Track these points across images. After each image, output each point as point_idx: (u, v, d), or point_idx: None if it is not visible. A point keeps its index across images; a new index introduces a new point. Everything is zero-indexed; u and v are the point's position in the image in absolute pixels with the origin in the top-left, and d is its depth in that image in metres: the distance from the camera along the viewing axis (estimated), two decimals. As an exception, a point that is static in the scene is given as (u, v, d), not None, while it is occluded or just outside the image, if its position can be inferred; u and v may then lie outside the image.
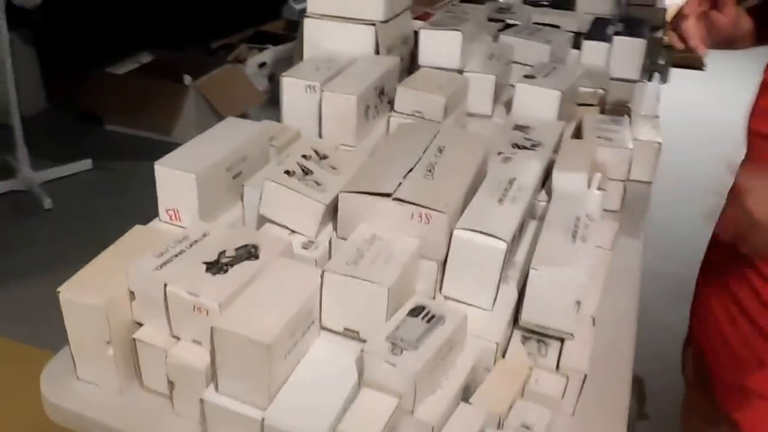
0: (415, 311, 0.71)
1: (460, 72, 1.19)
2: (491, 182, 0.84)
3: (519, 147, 1.04)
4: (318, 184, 0.84)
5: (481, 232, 0.75)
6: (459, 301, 0.79)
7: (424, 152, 0.86)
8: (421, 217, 0.75)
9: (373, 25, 1.16)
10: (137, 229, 0.87)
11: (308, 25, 1.21)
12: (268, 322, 0.66)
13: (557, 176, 0.94)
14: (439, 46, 1.18)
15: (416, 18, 1.34)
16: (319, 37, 1.22)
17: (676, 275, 1.92)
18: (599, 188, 0.94)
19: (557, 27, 1.58)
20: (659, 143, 1.22)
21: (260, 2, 3.48)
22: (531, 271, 0.76)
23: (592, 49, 1.46)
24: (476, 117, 1.22)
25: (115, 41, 3.23)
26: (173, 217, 0.91)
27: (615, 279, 0.97)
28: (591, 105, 1.27)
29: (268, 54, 3.16)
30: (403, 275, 0.73)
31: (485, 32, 1.32)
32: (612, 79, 1.46)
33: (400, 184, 0.78)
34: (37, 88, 3.19)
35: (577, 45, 1.48)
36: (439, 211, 0.75)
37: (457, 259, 0.77)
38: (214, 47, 2.79)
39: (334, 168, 0.89)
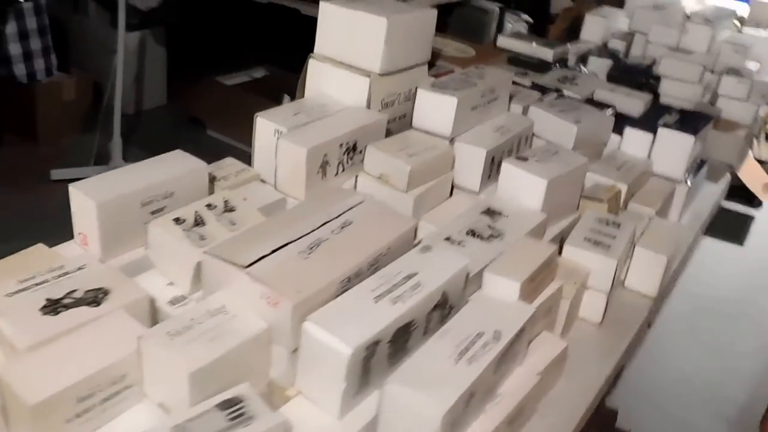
0: (226, 404, 0.61)
1: (451, 140, 1.07)
2: (383, 274, 0.73)
3: (474, 235, 0.91)
4: (202, 238, 0.77)
5: (329, 331, 0.64)
6: (310, 400, 0.68)
7: (321, 226, 0.76)
8: (269, 299, 0.66)
9: (368, 76, 1.08)
10: (38, 248, 0.84)
11: (312, 66, 1.15)
12: (51, 381, 0.59)
13: (487, 277, 0.80)
14: (434, 109, 1.07)
15: (438, 75, 1.23)
16: (320, 80, 1.15)
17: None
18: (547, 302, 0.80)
19: (611, 107, 1.42)
20: (666, 258, 1.03)
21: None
22: (384, 385, 0.64)
23: (633, 138, 1.28)
24: (464, 191, 1.10)
25: (237, 52, 3.36)
26: (84, 242, 0.87)
27: (550, 409, 0.82)
28: (599, 201, 1.10)
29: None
30: (226, 359, 0.63)
31: (502, 101, 1.19)
32: (654, 174, 1.28)
33: (263, 257, 0.69)
34: (160, 85, 3.38)
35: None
36: (287, 298, 0.65)
37: (306, 353, 0.66)
38: None
39: (233, 223, 0.81)
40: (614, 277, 0.96)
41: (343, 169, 1.03)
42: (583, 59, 1.93)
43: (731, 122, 1.68)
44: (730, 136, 1.60)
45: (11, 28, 2.58)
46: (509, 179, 1.02)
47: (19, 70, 2.75)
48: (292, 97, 3.10)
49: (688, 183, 1.25)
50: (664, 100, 1.74)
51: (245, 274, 0.67)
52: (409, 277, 0.73)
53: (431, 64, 1.23)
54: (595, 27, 2.09)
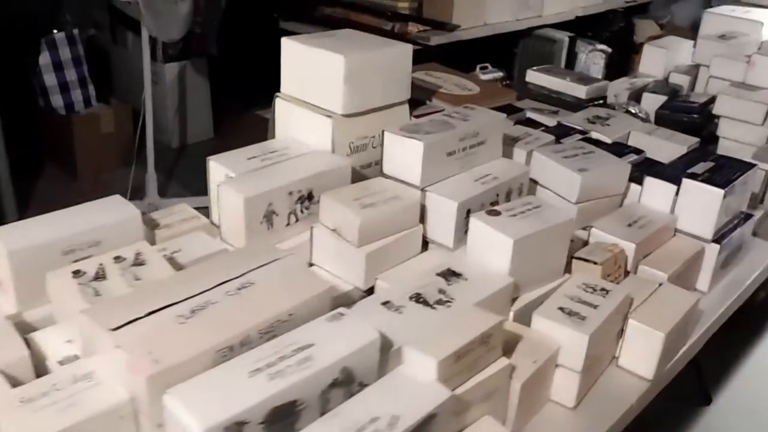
0: (65, 483, 0.62)
1: (422, 190, 1.05)
2: (274, 345, 0.71)
3: (419, 300, 0.88)
4: (97, 293, 0.78)
5: (186, 407, 0.63)
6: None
7: (216, 286, 0.76)
8: (130, 367, 0.66)
9: (330, 117, 1.08)
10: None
11: (278, 106, 1.17)
12: None
13: (407, 352, 0.77)
14: (402, 155, 1.06)
15: (421, 116, 1.22)
16: (287, 120, 1.17)
17: None
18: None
19: (638, 152, 1.35)
20: (663, 336, 0.96)
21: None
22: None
23: (655, 189, 1.21)
24: (438, 246, 1.07)
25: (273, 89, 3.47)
26: (2, 289, 0.90)
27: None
28: (592, 263, 1.04)
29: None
30: (75, 430, 0.64)
31: (492, 145, 1.15)
32: (677, 231, 1.20)
33: (134, 320, 0.69)
34: (206, 119, 3.52)
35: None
36: (143, 367, 0.65)
37: (169, 427, 0.65)
38: None
39: (137, 279, 0.82)
40: (586, 355, 0.89)
41: (297, 220, 1.03)
42: (638, 96, 1.86)
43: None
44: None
45: (45, 58, 2.78)
46: (477, 236, 0.98)
47: (56, 101, 2.95)
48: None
49: (722, 243, 1.17)
50: (723, 144, 1.65)
51: (109, 338, 0.67)
52: (302, 348, 0.71)
53: (419, 103, 1.22)
54: (654, 59, 2.01)
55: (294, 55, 1.10)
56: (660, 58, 1.99)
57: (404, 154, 1.05)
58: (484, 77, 3.28)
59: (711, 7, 2.58)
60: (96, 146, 3.16)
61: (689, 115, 1.64)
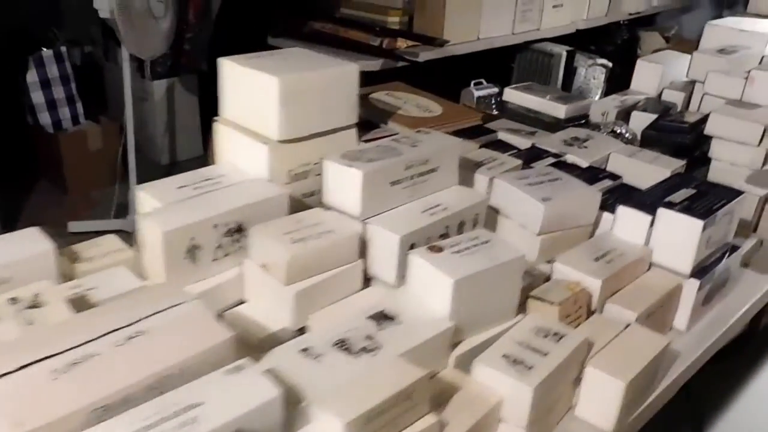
0: None
1: (363, 221, 0.98)
2: (157, 403, 0.64)
3: (342, 347, 0.81)
4: (-23, 340, 0.72)
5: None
6: None
7: (103, 336, 0.69)
8: (-17, 431, 0.59)
9: (266, 143, 1.02)
10: None
11: (217, 131, 1.11)
12: None
13: (312, 412, 0.70)
14: (342, 184, 0.99)
15: (370, 140, 1.15)
16: (226, 146, 1.11)
17: None
18: None
19: (617, 177, 1.27)
20: (623, 384, 0.87)
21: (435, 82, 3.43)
22: None
23: (628, 219, 1.13)
24: (381, 283, 0.99)
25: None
26: None
27: None
28: (549, 303, 0.96)
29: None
30: None
31: (446, 173, 1.08)
32: (653, 264, 1.12)
33: (1, 376, 0.63)
34: (195, 135, 3.48)
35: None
36: (7, 429, 0.58)
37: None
38: None
39: (30, 323, 0.76)
40: (532, 408, 0.81)
41: (226, 254, 0.96)
42: (627, 114, 1.78)
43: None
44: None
45: (32, 76, 2.76)
46: (417, 275, 0.91)
47: (44, 119, 2.93)
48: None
49: (702, 278, 1.08)
50: (715, 166, 1.56)
51: (-34, 396, 0.61)
52: (188, 408, 0.64)
53: (374, 126, 1.16)
54: (648, 75, 1.93)
55: (231, 76, 1.04)
56: (654, 74, 1.90)
57: (343, 184, 0.98)
58: (478, 93, 3.22)
59: (721, 17, 2.50)
60: (84, 163, 3.14)
61: (678, 135, 1.55)
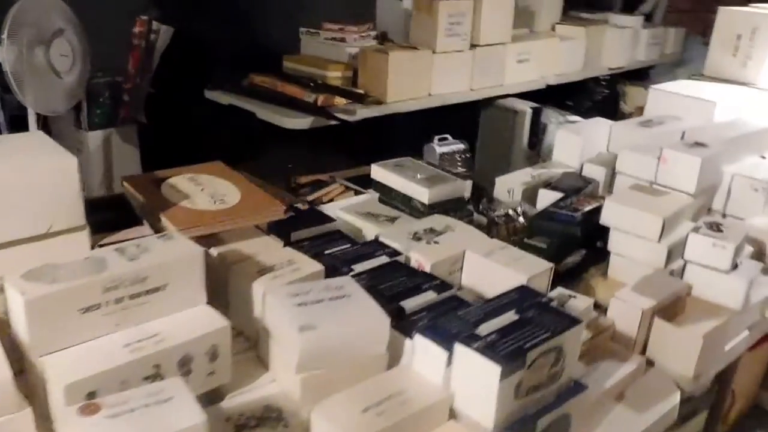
0: None
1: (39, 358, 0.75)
2: None
3: None
4: None
5: None
6: None
7: None
8: None
9: None
10: None
11: None
12: None
13: None
14: (17, 310, 0.76)
15: (106, 244, 0.92)
16: None
17: None
18: None
19: (447, 287, 1.02)
20: None
21: (399, 138, 3.22)
22: None
23: (425, 352, 0.87)
24: None
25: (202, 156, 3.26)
26: None
27: None
28: None
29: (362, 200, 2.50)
30: None
31: (178, 292, 0.84)
32: (454, 412, 0.85)
33: None
34: None
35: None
36: None
37: None
38: (301, 182, 2.57)
39: None
40: None
41: None
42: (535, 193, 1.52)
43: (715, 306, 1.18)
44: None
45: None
46: (58, 446, 0.67)
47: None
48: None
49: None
50: (614, 262, 1.29)
51: None
52: None
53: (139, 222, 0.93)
54: (568, 146, 1.67)
55: None
56: (575, 145, 1.64)
57: (17, 310, 0.76)
58: (441, 150, 2.97)
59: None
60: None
61: (567, 226, 1.29)
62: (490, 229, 1.37)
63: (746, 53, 1.89)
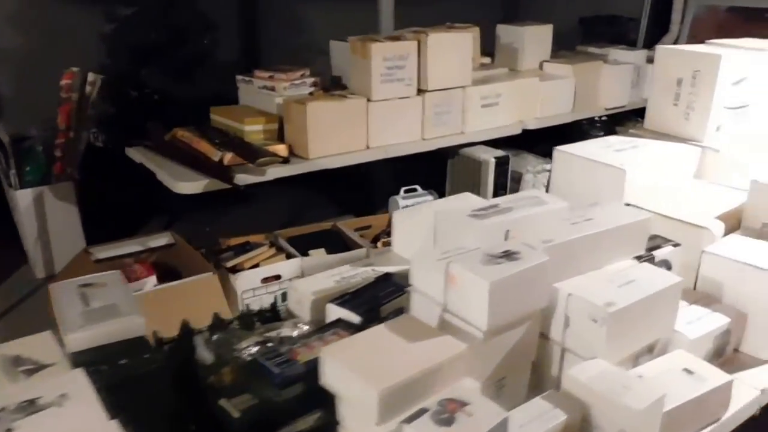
0: None
1: None
2: None
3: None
4: None
5: None
6: None
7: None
8: None
9: None
10: None
11: None
12: None
13: None
14: None
15: None
16: None
17: None
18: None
19: None
20: None
21: (375, 188, 2.83)
22: None
23: None
24: None
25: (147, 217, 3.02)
26: None
27: None
28: None
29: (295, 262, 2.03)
30: None
31: None
32: None
33: None
34: (77, 244, 2.96)
35: None
36: None
37: None
38: (230, 245, 2.26)
39: None
40: None
41: None
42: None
43: None
44: None
45: None
46: None
47: None
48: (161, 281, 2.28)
49: None
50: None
51: None
52: None
53: None
54: (402, 234, 1.23)
55: None
56: (407, 233, 1.21)
57: None
58: (405, 203, 2.54)
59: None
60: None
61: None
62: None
63: (687, 103, 1.37)
